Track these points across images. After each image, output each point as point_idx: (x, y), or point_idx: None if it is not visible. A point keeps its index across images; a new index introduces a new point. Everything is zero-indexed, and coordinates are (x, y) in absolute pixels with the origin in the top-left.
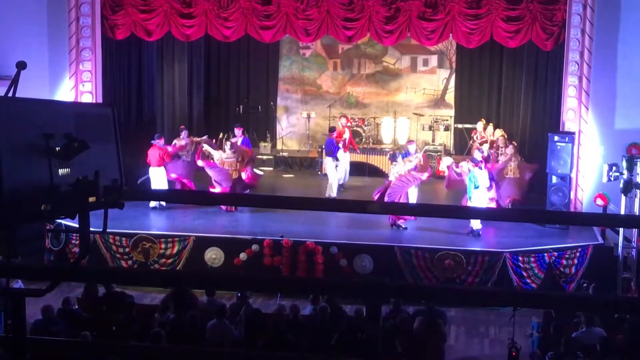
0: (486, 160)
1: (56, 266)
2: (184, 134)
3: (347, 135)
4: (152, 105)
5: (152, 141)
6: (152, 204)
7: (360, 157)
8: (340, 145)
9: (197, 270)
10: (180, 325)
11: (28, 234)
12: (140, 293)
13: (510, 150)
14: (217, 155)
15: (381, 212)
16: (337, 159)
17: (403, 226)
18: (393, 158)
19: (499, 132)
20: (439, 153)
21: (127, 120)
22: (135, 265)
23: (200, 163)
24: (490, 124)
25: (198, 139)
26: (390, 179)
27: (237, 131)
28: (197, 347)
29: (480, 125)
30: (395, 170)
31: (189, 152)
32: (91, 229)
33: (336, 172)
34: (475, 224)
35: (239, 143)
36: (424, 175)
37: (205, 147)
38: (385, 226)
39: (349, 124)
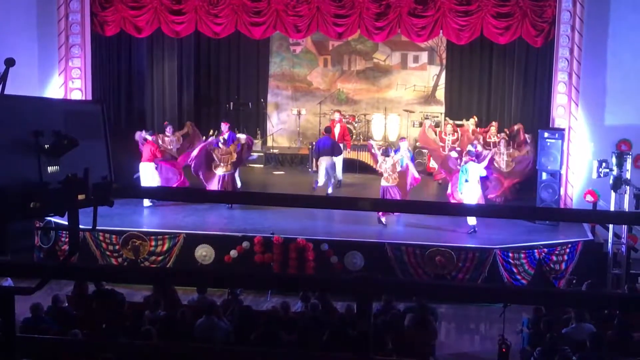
0: (478, 156)
1: (46, 264)
2: (168, 129)
3: (337, 130)
4: (142, 102)
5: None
6: (147, 202)
7: (350, 154)
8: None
9: (188, 267)
10: (170, 323)
11: (17, 231)
12: (131, 290)
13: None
14: (214, 152)
15: (372, 209)
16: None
17: (384, 222)
18: (386, 153)
19: (494, 129)
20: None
21: (116, 117)
22: (126, 263)
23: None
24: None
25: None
26: (382, 183)
27: (224, 126)
28: (186, 344)
29: (472, 121)
30: (385, 166)
31: (173, 145)
32: (81, 226)
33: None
34: (471, 220)
35: (225, 138)
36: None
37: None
38: (376, 223)
39: (341, 119)
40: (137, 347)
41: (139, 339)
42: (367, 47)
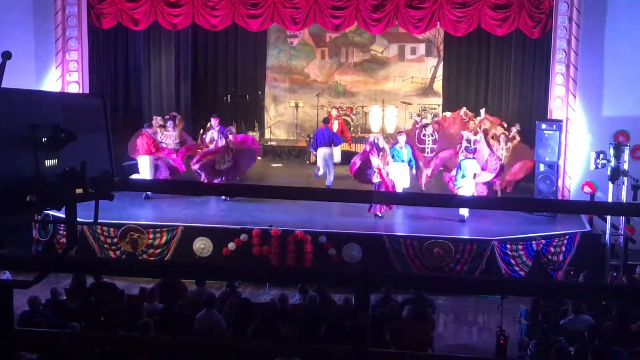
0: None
1: (44, 257)
2: (169, 124)
3: (335, 127)
4: (139, 95)
5: (142, 129)
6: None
7: (348, 146)
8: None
9: (186, 260)
10: (169, 315)
11: (15, 224)
12: (129, 283)
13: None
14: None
15: (380, 202)
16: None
17: (380, 215)
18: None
19: (488, 124)
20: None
21: (114, 110)
22: (124, 256)
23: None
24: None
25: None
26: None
27: (214, 121)
28: (185, 337)
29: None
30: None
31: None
32: (81, 220)
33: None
34: (462, 210)
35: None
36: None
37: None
38: (373, 215)
39: (338, 114)
40: (135, 340)
41: (137, 332)
42: (365, 39)
